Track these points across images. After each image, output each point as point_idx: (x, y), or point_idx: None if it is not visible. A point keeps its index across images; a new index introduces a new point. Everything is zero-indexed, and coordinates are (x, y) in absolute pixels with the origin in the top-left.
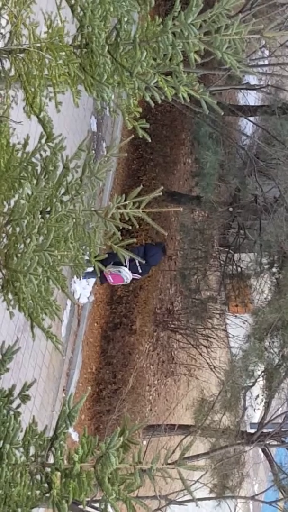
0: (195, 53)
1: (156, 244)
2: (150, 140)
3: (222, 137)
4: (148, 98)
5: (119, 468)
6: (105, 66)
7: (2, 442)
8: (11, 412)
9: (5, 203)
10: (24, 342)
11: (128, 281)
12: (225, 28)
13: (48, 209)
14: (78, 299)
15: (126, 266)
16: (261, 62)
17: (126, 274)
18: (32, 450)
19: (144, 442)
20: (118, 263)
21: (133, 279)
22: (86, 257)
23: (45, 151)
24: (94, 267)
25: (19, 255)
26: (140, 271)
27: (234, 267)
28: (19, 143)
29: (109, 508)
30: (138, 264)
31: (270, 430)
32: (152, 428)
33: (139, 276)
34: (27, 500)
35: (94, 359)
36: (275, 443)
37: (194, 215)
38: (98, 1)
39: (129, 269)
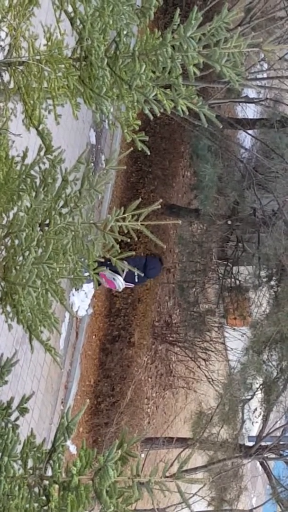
0: (194, 66)
1: (155, 256)
2: (149, 153)
3: (221, 150)
4: (147, 111)
5: (117, 481)
6: (104, 79)
7: (0, 454)
8: (10, 425)
9: (4, 215)
10: (23, 354)
11: (120, 290)
12: (224, 42)
13: (47, 222)
14: (77, 311)
15: (121, 275)
16: (260, 76)
17: (119, 283)
18: (30, 463)
19: (142, 455)
20: (115, 271)
21: (126, 287)
22: (86, 273)
23: (44, 163)
24: (92, 279)
25: (17, 267)
26: (136, 281)
27: (233, 280)
28: (18, 156)
29: None
30: (135, 274)
31: (268, 443)
32: (150, 441)
33: (133, 285)
34: None
35: (92, 371)
36: (273, 456)
37: (193, 228)
38: (97, 14)
39: (125, 278)
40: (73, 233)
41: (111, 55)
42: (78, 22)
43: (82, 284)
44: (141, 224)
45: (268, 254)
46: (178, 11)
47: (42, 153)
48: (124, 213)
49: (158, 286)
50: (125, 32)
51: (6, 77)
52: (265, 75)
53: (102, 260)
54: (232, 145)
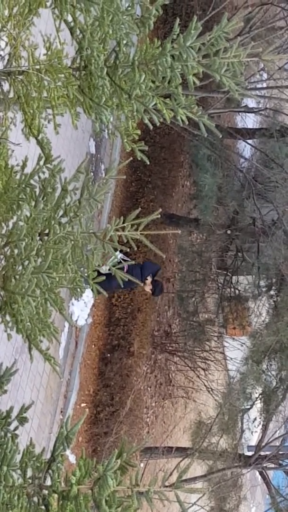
0: (193, 75)
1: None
2: (148, 163)
3: (221, 159)
4: (146, 121)
5: (116, 491)
6: (104, 88)
7: None
8: (9, 434)
9: (3, 225)
10: (22, 364)
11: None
12: (223, 51)
13: (47, 231)
14: (76, 321)
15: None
16: (259, 85)
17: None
18: (29, 472)
19: (142, 465)
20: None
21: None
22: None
23: (43, 173)
24: (92, 289)
25: (17, 277)
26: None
27: (232, 289)
28: (17, 165)
29: None
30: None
31: (268, 452)
32: (149, 450)
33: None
34: None
35: (91, 381)
36: (273, 466)
37: (192, 237)
38: (97, 24)
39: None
40: (72, 242)
41: (111, 64)
42: (78, 31)
43: (81, 294)
44: (141, 234)
45: (267, 263)
46: (177, 20)
47: (41, 163)
48: (123, 223)
49: (158, 297)
50: (124, 42)
51: (6, 86)
52: (264, 85)
53: (103, 278)
54: (232, 154)
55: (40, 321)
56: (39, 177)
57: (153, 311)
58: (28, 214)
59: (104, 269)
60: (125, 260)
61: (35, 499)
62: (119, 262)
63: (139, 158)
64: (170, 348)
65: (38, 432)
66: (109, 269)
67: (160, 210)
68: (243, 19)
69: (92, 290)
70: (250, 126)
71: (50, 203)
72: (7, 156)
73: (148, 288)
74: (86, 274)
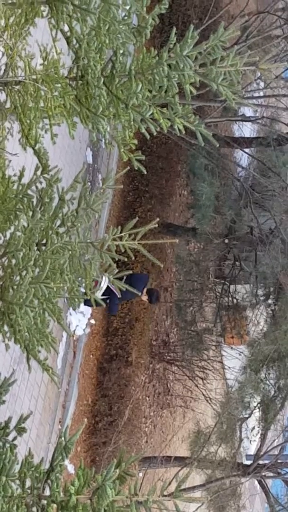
0: (190, 85)
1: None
2: (145, 172)
3: (218, 168)
4: (143, 130)
5: (115, 500)
6: (101, 98)
7: None
8: (7, 445)
9: (0, 235)
10: (20, 374)
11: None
12: (220, 60)
13: (44, 241)
14: (74, 331)
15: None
16: (256, 94)
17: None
18: (28, 482)
19: (140, 474)
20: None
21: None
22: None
23: (40, 183)
24: (90, 299)
25: (15, 287)
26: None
27: (230, 298)
28: (14, 175)
29: None
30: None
31: (266, 461)
32: (148, 460)
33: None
34: None
35: (90, 391)
36: (271, 474)
37: (190, 246)
38: (93, 33)
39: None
40: (70, 252)
41: (108, 74)
42: (75, 41)
43: (79, 304)
44: (138, 243)
45: (265, 272)
46: (174, 30)
47: (39, 173)
48: (121, 232)
49: (156, 305)
50: (121, 51)
51: (2, 96)
52: (261, 94)
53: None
54: (229, 163)
55: (38, 331)
56: (37, 187)
57: (151, 320)
58: (26, 224)
59: (99, 295)
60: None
61: (34, 509)
62: (106, 289)
63: (136, 168)
64: (168, 357)
65: (36, 442)
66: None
67: (158, 219)
68: (240, 28)
69: (90, 305)
70: (247, 135)
71: (47, 213)
72: (4, 167)
73: (144, 297)
74: (84, 287)
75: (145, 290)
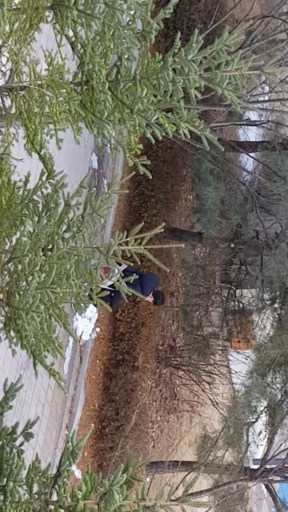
0: (195, 89)
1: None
2: (151, 177)
3: (223, 173)
4: (149, 135)
5: (122, 505)
6: (106, 103)
7: (5, 479)
8: (14, 450)
9: (6, 240)
10: (27, 379)
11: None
12: (225, 64)
13: (50, 247)
14: (81, 336)
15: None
16: (261, 98)
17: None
18: (35, 488)
19: (148, 479)
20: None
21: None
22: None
23: (46, 188)
24: (96, 303)
25: (21, 292)
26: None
27: (236, 303)
28: (20, 181)
29: None
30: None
31: (273, 466)
32: (155, 464)
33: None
34: None
35: (96, 396)
36: (279, 478)
37: (196, 251)
38: (98, 38)
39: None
40: (76, 257)
41: (113, 79)
42: (79, 46)
43: (85, 309)
44: (144, 248)
45: (271, 276)
46: (179, 34)
47: (44, 178)
48: (127, 237)
49: (162, 310)
50: (126, 56)
51: (7, 102)
52: (266, 98)
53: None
54: (234, 168)
55: (45, 337)
56: (42, 192)
57: (157, 325)
58: (31, 230)
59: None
60: (125, 276)
61: None
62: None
63: (141, 173)
64: (174, 362)
65: (43, 447)
66: (112, 285)
67: (163, 224)
68: (245, 32)
69: (95, 305)
70: (252, 139)
71: (53, 219)
72: (10, 172)
73: (150, 299)
74: (89, 289)
75: (151, 292)
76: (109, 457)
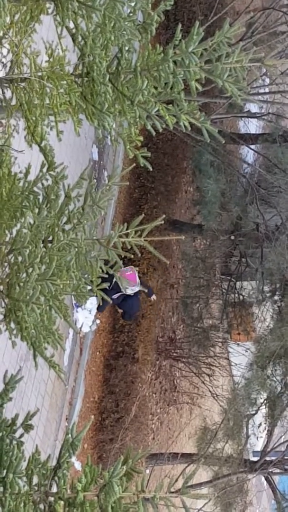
0: (196, 81)
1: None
2: (151, 169)
3: (224, 165)
4: (149, 127)
5: (122, 497)
6: (106, 95)
7: (5, 471)
8: (14, 442)
9: (7, 232)
10: (27, 371)
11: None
12: (226, 57)
13: (50, 238)
14: (81, 328)
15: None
16: (262, 90)
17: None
18: (35, 479)
19: (147, 471)
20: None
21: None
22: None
23: (46, 180)
24: (96, 295)
25: (21, 284)
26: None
27: (236, 295)
28: (20, 172)
29: None
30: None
31: (273, 458)
32: (155, 456)
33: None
34: None
35: (96, 388)
36: (278, 471)
37: (196, 243)
38: (99, 30)
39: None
40: (76, 249)
41: (113, 71)
42: (80, 38)
43: (85, 301)
44: (144, 240)
45: (271, 269)
46: (179, 26)
47: (44, 170)
48: (127, 229)
49: (162, 302)
50: (126, 48)
51: (8, 93)
52: (267, 90)
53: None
54: (235, 160)
55: (45, 329)
56: (43, 184)
57: (157, 317)
58: (32, 221)
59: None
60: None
61: (41, 506)
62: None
63: (142, 165)
64: (174, 354)
65: (43, 439)
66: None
67: (164, 216)
68: (245, 24)
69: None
70: (252, 131)
71: (53, 210)
72: (10, 164)
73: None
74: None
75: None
76: (109, 449)
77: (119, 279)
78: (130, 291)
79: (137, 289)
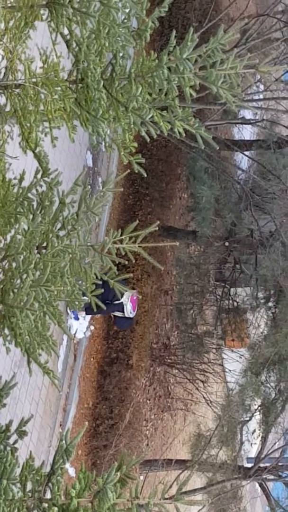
0: (190, 87)
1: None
2: (145, 175)
3: (218, 171)
4: (143, 133)
5: (116, 503)
6: (101, 101)
7: None
8: (8, 448)
9: (1, 238)
10: (21, 377)
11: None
12: (220, 63)
13: (45, 244)
14: (75, 334)
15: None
16: (256, 97)
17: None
18: (29, 486)
19: (141, 477)
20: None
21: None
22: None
23: (41, 186)
24: (90, 302)
25: (15, 290)
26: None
27: (230, 301)
28: (15, 178)
29: None
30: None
31: (267, 464)
32: (149, 463)
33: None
34: None
35: (90, 394)
36: (272, 477)
37: (190, 249)
38: (93, 36)
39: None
40: (70, 255)
41: (108, 77)
42: (74, 44)
43: (79, 307)
44: (139, 246)
45: (265, 275)
46: (174, 33)
47: (39, 176)
48: (121, 235)
49: (156, 308)
50: (121, 54)
51: (2, 100)
52: (261, 96)
53: (102, 290)
54: (229, 166)
55: (39, 335)
56: (37, 190)
57: (152, 323)
58: (26, 228)
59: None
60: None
61: None
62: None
63: (136, 171)
64: (168, 360)
65: (37, 445)
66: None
67: (158, 222)
68: (240, 30)
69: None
70: (247, 138)
71: (47, 216)
72: (5, 170)
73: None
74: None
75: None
76: (103, 455)
77: (126, 304)
78: (129, 313)
79: (131, 316)
